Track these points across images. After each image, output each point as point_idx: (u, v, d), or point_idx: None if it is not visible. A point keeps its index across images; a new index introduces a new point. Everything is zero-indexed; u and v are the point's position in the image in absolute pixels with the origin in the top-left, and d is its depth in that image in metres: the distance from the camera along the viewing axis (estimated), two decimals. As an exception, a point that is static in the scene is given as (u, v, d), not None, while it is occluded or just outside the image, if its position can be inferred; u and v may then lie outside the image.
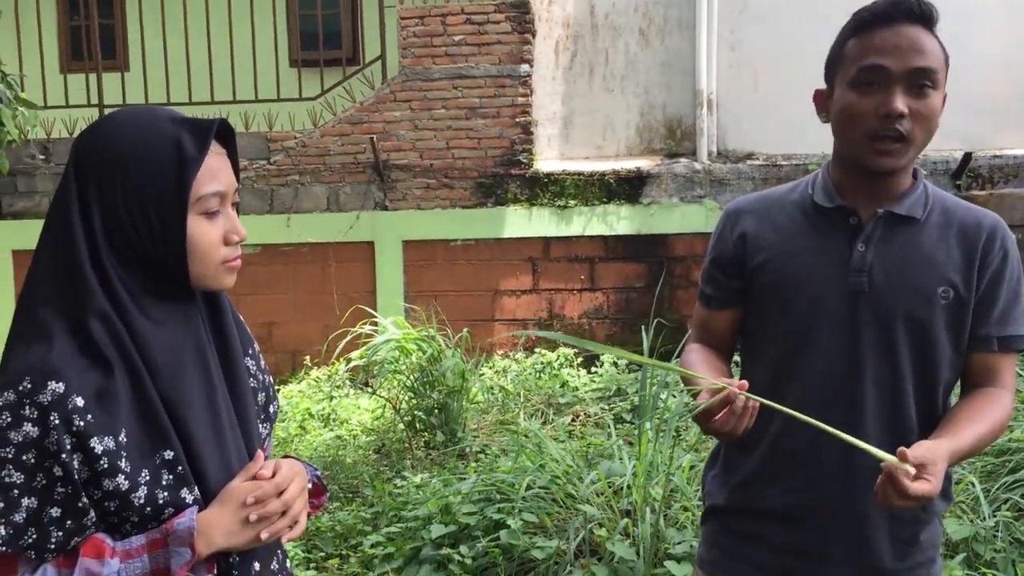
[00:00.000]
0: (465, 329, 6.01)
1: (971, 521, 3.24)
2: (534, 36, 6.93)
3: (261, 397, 1.51)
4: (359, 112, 6.90)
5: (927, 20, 1.60)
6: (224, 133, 1.38)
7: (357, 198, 6.91)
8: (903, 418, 1.66)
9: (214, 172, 1.33)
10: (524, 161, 6.79)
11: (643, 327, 4.80)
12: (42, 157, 7.11)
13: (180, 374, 1.32)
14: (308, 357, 6.80)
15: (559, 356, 6.51)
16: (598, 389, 5.89)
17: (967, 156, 6.38)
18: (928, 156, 6.51)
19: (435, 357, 5.32)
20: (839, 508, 1.68)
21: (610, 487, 3.51)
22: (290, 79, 7.46)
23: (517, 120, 6.80)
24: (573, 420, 5.41)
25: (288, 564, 1.56)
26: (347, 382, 6.26)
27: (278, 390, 6.19)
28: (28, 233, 7.05)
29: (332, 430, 5.57)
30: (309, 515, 1.49)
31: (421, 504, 3.81)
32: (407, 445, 5.10)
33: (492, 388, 5.92)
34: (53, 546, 1.24)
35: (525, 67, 6.79)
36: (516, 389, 5.90)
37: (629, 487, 3.48)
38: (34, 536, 1.22)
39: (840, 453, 1.60)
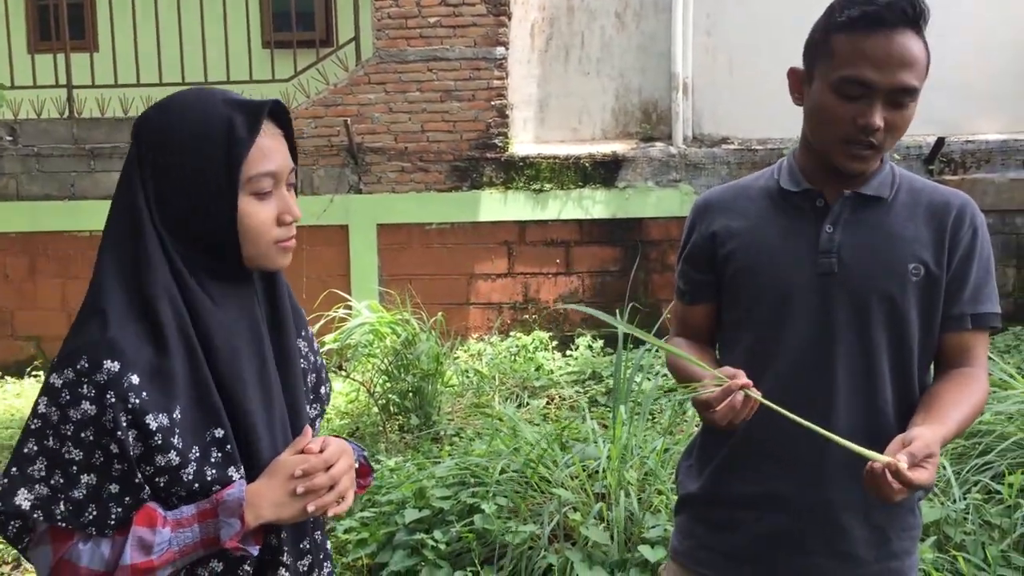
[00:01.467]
0: (440, 312, 5.99)
1: (941, 504, 3.26)
2: (510, 18, 6.89)
3: (312, 378, 1.53)
4: (333, 94, 6.84)
5: (919, 22, 1.57)
6: (279, 114, 1.40)
7: (331, 181, 6.85)
8: (877, 399, 1.66)
9: (266, 152, 1.35)
10: (499, 144, 6.76)
11: (618, 311, 4.81)
12: (9, 138, 6.99)
13: (235, 353, 1.34)
14: (282, 341, 6.75)
15: (534, 340, 6.50)
16: (573, 372, 5.89)
17: (940, 141, 6.43)
18: (901, 141, 6.54)
19: (410, 340, 5.30)
20: (813, 496, 1.67)
21: (584, 471, 3.51)
22: (263, 60, 7.37)
23: (492, 103, 6.76)
24: (548, 403, 5.41)
25: (328, 546, 1.57)
26: (321, 366, 6.22)
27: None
28: (-5, 215, 6.95)
29: (306, 414, 5.53)
30: (356, 493, 1.50)
31: (395, 488, 3.79)
32: (381, 428, 5.09)
33: (467, 371, 5.91)
34: (113, 522, 1.25)
35: (500, 50, 6.76)
36: (491, 372, 5.89)
37: (603, 470, 3.48)
38: (94, 513, 1.25)
39: (812, 441, 1.57)
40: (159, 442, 1.26)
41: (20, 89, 6.96)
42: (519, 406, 5.31)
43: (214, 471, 1.30)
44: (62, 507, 1.24)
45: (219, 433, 1.31)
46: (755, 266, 1.71)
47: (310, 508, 1.35)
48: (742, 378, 1.54)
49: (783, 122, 6.44)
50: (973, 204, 1.70)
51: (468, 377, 5.85)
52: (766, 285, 1.70)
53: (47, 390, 1.25)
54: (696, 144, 6.91)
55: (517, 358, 6.26)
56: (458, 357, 6.27)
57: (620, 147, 6.83)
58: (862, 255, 1.65)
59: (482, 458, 3.79)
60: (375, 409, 5.25)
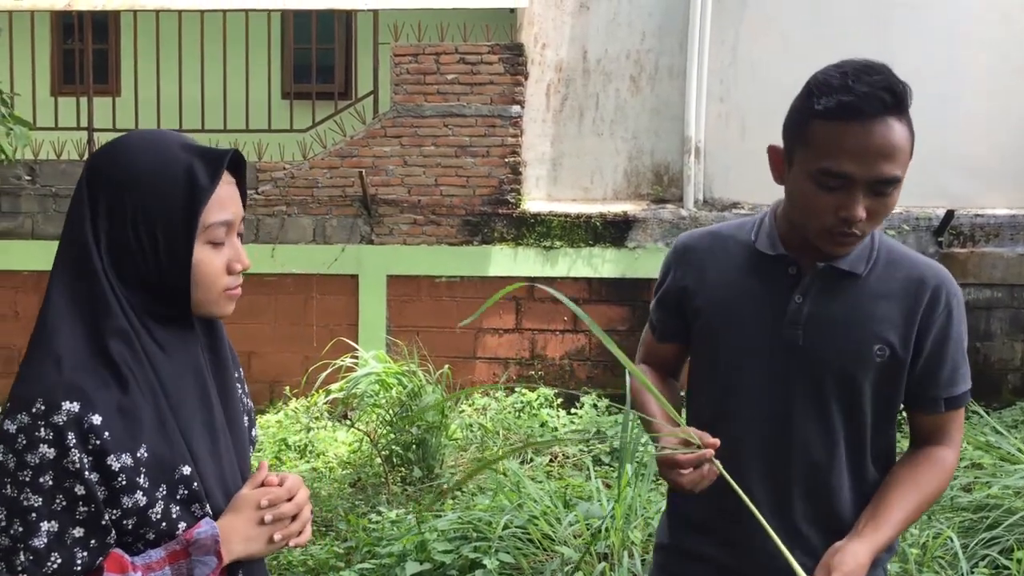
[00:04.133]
0: (446, 365, 5.99)
1: (948, 576, 3.23)
2: (526, 78, 6.99)
3: (246, 420, 1.52)
4: (349, 146, 6.92)
5: (900, 108, 1.52)
6: (235, 163, 1.39)
7: (343, 231, 6.91)
8: (832, 472, 1.68)
9: (223, 202, 1.34)
10: (512, 201, 6.82)
11: (627, 370, 4.79)
12: (28, 178, 7.08)
13: (182, 398, 1.33)
14: (287, 388, 6.75)
15: (539, 396, 6.49)
16: (577, 430, 5.87)
17: (949, 214, 6.46)
18: (911, 212, 6.58)
19: (415, 392, 5.30)
20: (772, 563, 1.64)
21: (588, 529, 3.48)
22: (281, 110, 7.48)
23: (506, 160, 6.84)
24: (551, 460, 5.38)
25: None
26: (325, 414, 6.21)
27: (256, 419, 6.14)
28: (11, 254, 7.00)
29: (308, 462, 5.51)
30: None
31: (396, 540, 3.76)
32: (383, 480, 5.06)
33: (471, 425, 5.89)
34: (79, 568, 1.22)
35: (516, 108, 6.85)
36: (495, 427, 5.87)
37: (607, 530, 3.46)
38: (59, 561, 1.21)
39: (772, 510, 1.63)
40: (123, 483, 1.23)
41: (42, 131, 7.06)
42: (523, 462, 5.28)
43: (178, 508, 1.29)
44: (22, 557, 1.19)
45: (187, 470, 1.30)
46: (721, 327, 1.72)
47: (277, 537, 1.36)
48: (711, 442, 1.56)
49: (794, 189, 6.50)
50: (949, 281, 1.67)
51: (472, 431, 5.82)
52: (730, 347, 1.71)
53: (1, 437, 1.21)
54: (707, 208, 6.96)
55: (522, 414, 6.24)
56: (463, 411, 6.25)
57: (631, 208, 6.88)
58: (828, 332, 1.64)
59: (485, 512, 3.77)
60: (378, 460, 5.22)
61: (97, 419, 1.21)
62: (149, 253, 1.30)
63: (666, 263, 1.85)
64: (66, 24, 8.83)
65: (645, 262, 6.72)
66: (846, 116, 1.50)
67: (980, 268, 6.61)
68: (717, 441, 1.56)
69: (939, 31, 6.74)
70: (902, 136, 1.51)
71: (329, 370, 5.93)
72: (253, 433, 1.56)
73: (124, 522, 1.25)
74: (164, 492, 1.27)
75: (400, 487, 4.99)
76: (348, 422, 5.73)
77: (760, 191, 6.83)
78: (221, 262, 1.36)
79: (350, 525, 4.27)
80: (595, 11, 7.17)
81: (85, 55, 7.39)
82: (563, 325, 6.81)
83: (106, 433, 1.22)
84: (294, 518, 1.39)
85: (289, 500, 1.38)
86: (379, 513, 4.40)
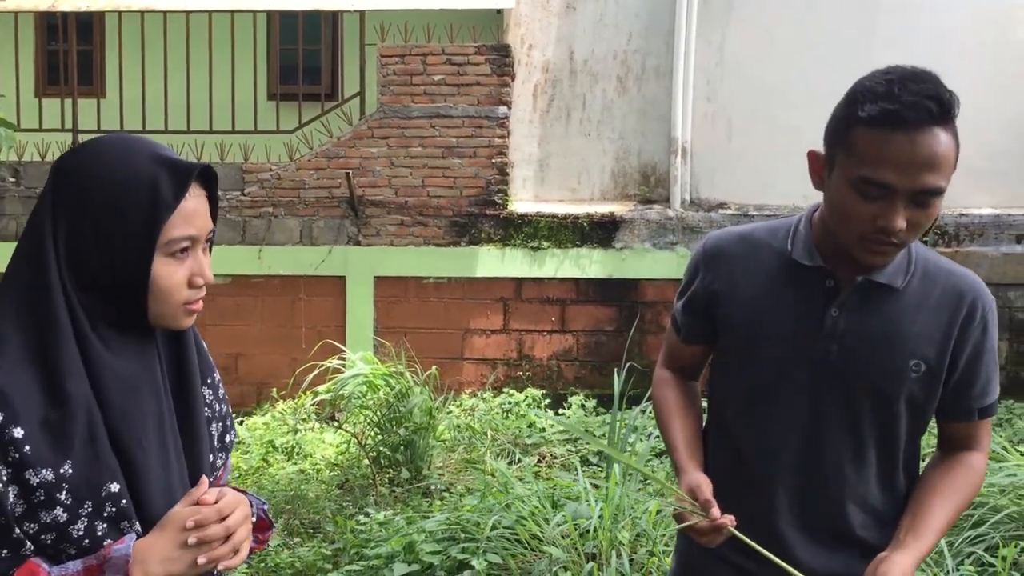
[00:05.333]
0: (434, 367, 5.98)
1: (934, 575, 3.24)
2: (513, 79, 6.99)
3: (217, 427, 1.49)
4: (336, 147, 6.91)
5: (946, 117, 1.48)
6: (208, 176, 1.37)
7: (330, 232, 6.89)
8: (861, 482, 1.68)
9: (188, 217, 1.31)
10: (499, 202, 6.82)
11: (615, 370, 4.81)
12: (12, 180, 7.04)
13: (131, 407, 1.30)
14: (274, 389, 6.72)
15: (527, 396, 6.49)
16: (565, 431, 5.87)
17: (934, 213, 6.50)
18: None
19: (403, 394, 5.29)
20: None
21: (576, 529, 3.48)
22: (268, 112, 7.46)
23: (493, 161, 6.84)
24: (539, 461, 5.38)
25: None
26: (313, 416, 6.19)
27: (241, 422, 6.11)
28: (-6, 255, 6.96)
29: (295, 464, 5.50)
30: (253, 550, 1.47)
31: (384, 542, 3.76)
32: (371, 481, 5.05)
33: (459, 426, 5.88)
34: None
35: (503, 109, 6.85)
36: (483, 428, 5.86)
37: (595, 530, 3.46)
38: None
39: (795, 522, 1.68)
40: (42, 498, 1.21)
41: (26, 132, 7.01)
42: (511, 463, 5.27)
43: (105, 526, 1.26)
44: None
45: (115, 488, 1.27)
46: (754, 337, 1.70)
47: (201, 560, 1.30)
48: (727, 517, 1.59)
49: (780, 188, 6.52)
50: (984, 293, 1.67)
51: (460, 432, 5.82)
52: (762, 357, 1.69)
53: None
54: (693, 208, 6.97)
55: (510, 415, 6.23)
56: (451, 412, 6.25)
57: (618, 208, 6.89)
58: (863, 347, 1.63)
59: (473, 513, 3.76)
60: (366, 461, 5.21)
61: (19, 432, 1.19)
62: (106, 261, 1.28)
63: (694, 263, 1.82)
64: (50, 25, 8.78)
65: (632, 263, 6.73)
66: (890, 124, 1.46)
67: (964, 267, 6.64)
68: (732, 519, 1.58)
69: (925, 31, 6.77)
70: (947, 146, 1.48)
71: (316, 372, 5.91)
72: (228, 439, 1.52)
73: (42, 536, 1.23)
74: (89, 509, 1.25)
75: (388, 488, 4.98)
76: (336, 424, 5.71)
77: (747, 190, 6.87)
78: (181, 276, 1.33)
79: (338, 527, 4.26)
80: (581, 12, 7.17)
81: (69, 56, 7.35)
82: (551, 326, 6.81)
83: (27, 447, 1.20)
84: (226, 539, 1.33)
85: (223, 520, 1.33)
86: (367, 515, 4.39)
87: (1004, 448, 4.23)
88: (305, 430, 6.04)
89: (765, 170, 6.74)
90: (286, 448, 5.72)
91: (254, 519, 1.45)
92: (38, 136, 7.19)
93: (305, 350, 6.57)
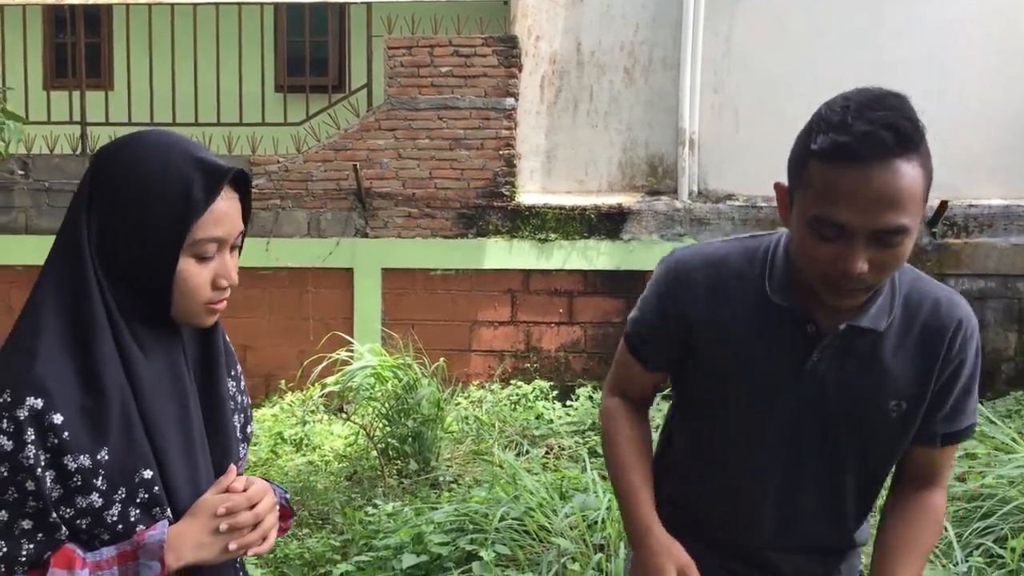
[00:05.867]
0: (442, 358, 5.99)
1: (943, 566, 3.25)
2: (520, 70, 6.99)
3: (240, 418, 1.52)
4: (343, 139, 6.91)
5: (907, 148, 1.33)
6: (242, 179, 1.39)
7: (338, 224, 6.90)
8: (841, 506, 1.68)
9: (218, 218, 1.33)
10: (506, 193, 6.82)
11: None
12: (21, 172, 7.05)
13: (160, 398, 1.33)
14: (283, 381, 6.74)
15: (534, 388, 6.50)
16: (573, 422, 5.88)
17: (943, 204, 6.47)
18: (905, 203, 6.60)
19: (411, 385, 5.30)
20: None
21: (584, 520, 3.49)
22: (275, 104, 7.46)
23: (500, 152, 6.83)
24: (547, 453, 5.39)
25: None
26: (321, 408, 6.21)
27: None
28: (5, 249, 6.98)
29: (304, 455, 5.52)
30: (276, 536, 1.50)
31: (392, 533, 3.77)
32: (379, 473, 5.06)
33: (467, 418, 5.89)
34: (24, 558, 1.24)
35: (510, 100, 6.84)
36: (491, 420, 5.87)
37: (603, 521, 3.46)
38: (4, 549, 1.23)
39: (776, 545, 1.68)
40: (79, 483, 1.24)
41: (34, 125, 7.03)
42: (518, 455, 5.28)
43: (138, 511, 1.30)
44: None
45: (148, 474, 1.30)
46: (732, 376, 1.61)
47: (232, 546, 1.34)
48: None
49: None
50: (966, 320, 1.57)
51: (468, 424, 5.83)
52: (740, 398, 1.62)
53: None
54: (701, 199, 6.96)
55: (517, 406, 6.24)
56: (459, 403, 6.26)
57: (626, 200, 6.88)
58: (844, 392, 1.56)
59: (481, 504, 3.77)
60: (374, 453, 5.23)
61: (58, 418, 1.22)
62: (134, 255, 1.31)
63: (658, 287, 1.68)
64: (58, 18, 8.79)
65: (640, 254, 6.72)
66: (842, 159, 1.33)
67: (974, 258, 6.63)
68: None
69: (932, 23, 6.74)
70: (910, 179, 1.33)
71: (324, 364, 5.93)
72: (249, 430, 1.56)
73: (78, 521, 1.26)
74: (123, 495, 1.28)
75: (396, 480, 5.00)
76: (344, 415, 5.73)
77: (755, 182, 6.85)
78: (206, 276, 1.35)
79: (346, 518, 4.28)
80: (588, 3, 7.15)
81: (77, 49, 7.36)
82: (558, 317, 6.81)
83: (65, 433, 1.23)
84: (255, 527, 1.37)
85: (252, 508, 1.37)
86: (375, 506, 4.41)
87: (1013, 440, 4.23)
88: (313, 422, 6.06)
89: (773, 161, 6.67)
90: (295, 440, 5.74)
91: (278, 507, 1.47)
92: (46, 129, 7.22)
93: (313, 342, 6.59)
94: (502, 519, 3.56)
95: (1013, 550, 3.21)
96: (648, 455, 1.75)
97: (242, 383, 1.55)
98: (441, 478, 4.94)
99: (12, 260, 7.01)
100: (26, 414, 1.20)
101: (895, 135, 1.31)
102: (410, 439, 5.17)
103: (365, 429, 5.31)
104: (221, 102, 7.05)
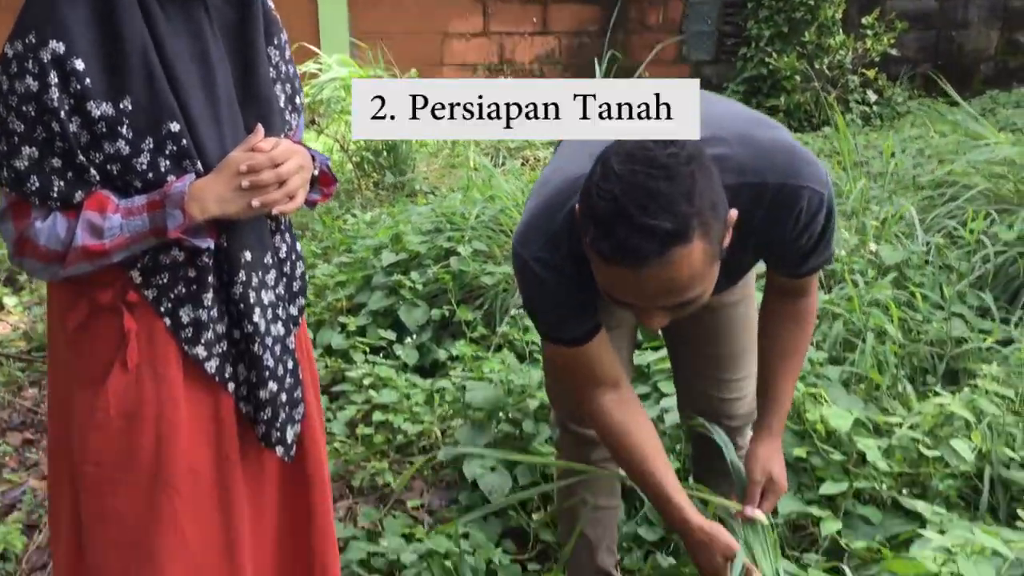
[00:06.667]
0: (413, 70, 5.86)
1: (903, 247, 3.34)
2: None
3: (286, 88, 1.51)
4: None
5: (677, 241, 1.26)
6: None
7: (296, -70, 6.49)
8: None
9: None
10: None
11: (594, 60, 4.72)
12: None
13: (180, 59, 1.33)
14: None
15: (509, 101, 6.42)
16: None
17: None
18: None
19: (383, 97, 5.20)
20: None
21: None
22: None
23: None
24: (523, 164, 5.41)
25: (298, 248, 1.59)
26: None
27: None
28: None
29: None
30: (317, 202, 1.57)
31: (372, 238, 3.84)
32: (356, 186, 5.09)
33: (441, 131, 5.85)
34: (55, 195, 1.30)
35: None
36: (466, 132, 5.84)
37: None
38: (36, 184, 1.29)
39: None
40: (104, 130, 1.28)
41: None
42: (495, 166, 5.30)
43: (168, 163, 1.33)
44: (4, 173, 1.30)
45: (174, 127, 1.32)
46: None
47: (255, 203, 1.36)
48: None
49: None
50: (793, 186, 1.47)
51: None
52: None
53: (1, 59, 1.27)
54: None
55: (492, 119, 6.19)
56: (432, 118, 6.19)
57: None
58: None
59: (458, 205, 3.83)
60: (349, 166, 5.23)
61: (80, 64, 1.25)
62: None
63: (524, 287, 1.62)
64: None
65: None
66: (614, 262, 1.29)
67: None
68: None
69: None
70: (687, 264, 1.28)
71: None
72: (298, 101, 1.52)
73: (108, 167, 1.31)
74: (151, 145, 1.31)
75: (373, 192, 5.04)
76: (316, 128, 5.68)
77: None
78: None
79: (326, 227, 4.34)
80: None
81: None
82: (532, 27, 6.61)
83: (87, 79, 1.25)
84: (281, 186, 1.38)
85: (276, 167, 1.37)
86: (354, 215, 4.46)
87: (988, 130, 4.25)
88: (286, 138, 6.00)
89: None
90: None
91: (316, 172, 1.49)
92: None
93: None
94: (478, 217, 3.62)
95: (972, 231, 3.29)
96: (656, 438, 1.67)
97: (287, 52, 1.53)
98: (418, 187, 4.98)
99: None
100: (49, 57, 1.23)
101: (660, 242, 1.25)
102: (385, 152, 5.16)
103: (339, 142, 5.28)
104: None
